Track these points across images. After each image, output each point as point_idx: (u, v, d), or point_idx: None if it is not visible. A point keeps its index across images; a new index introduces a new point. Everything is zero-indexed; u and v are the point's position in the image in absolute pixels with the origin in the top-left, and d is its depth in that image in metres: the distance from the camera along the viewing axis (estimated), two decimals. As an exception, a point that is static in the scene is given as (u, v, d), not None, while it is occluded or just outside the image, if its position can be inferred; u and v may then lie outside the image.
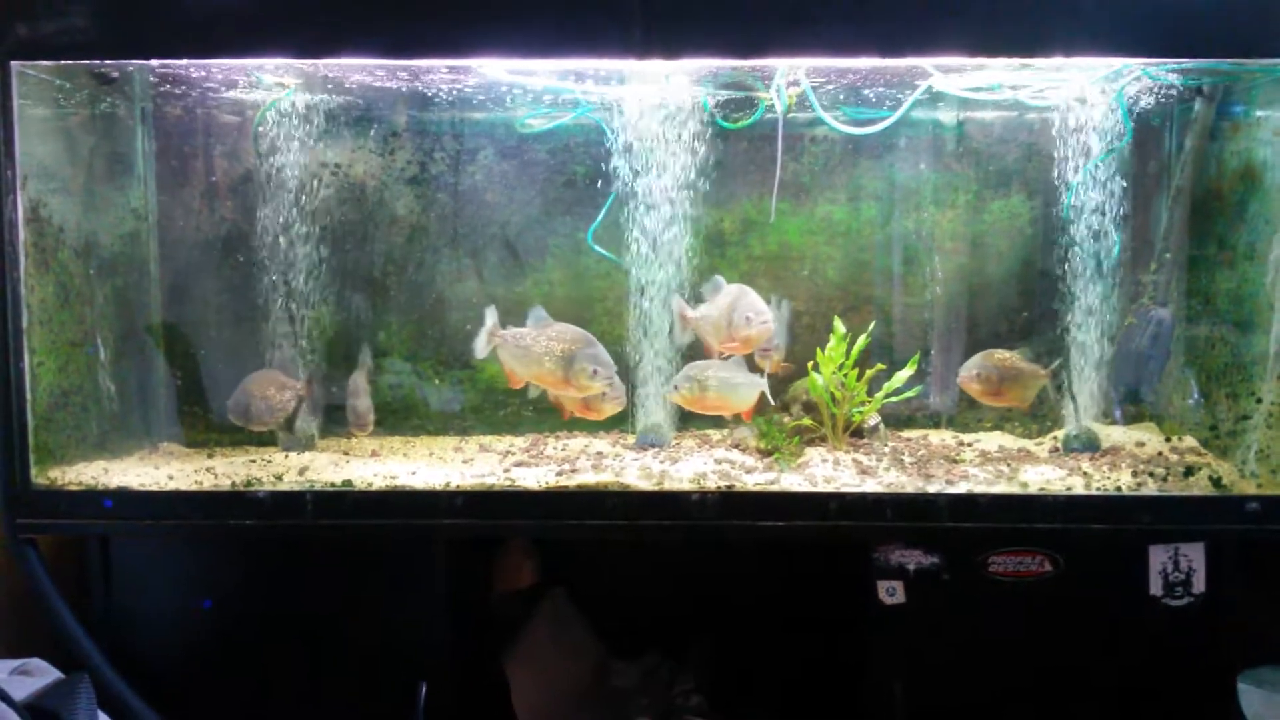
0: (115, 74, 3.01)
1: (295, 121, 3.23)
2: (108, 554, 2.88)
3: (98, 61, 2.83)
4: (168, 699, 2.80)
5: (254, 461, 3.12)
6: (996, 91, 3.17)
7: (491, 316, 3.00)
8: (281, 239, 3.28)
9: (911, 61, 2.77)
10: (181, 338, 3.45)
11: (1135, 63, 2.78)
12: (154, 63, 2.85)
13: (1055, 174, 3.20)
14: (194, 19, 2.63)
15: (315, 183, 3.33)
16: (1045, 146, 3.27)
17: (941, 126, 3.42)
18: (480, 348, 3.00)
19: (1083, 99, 3.09)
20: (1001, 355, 3.14)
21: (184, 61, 2.81)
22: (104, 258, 3.21)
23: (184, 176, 3.43)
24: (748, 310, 3.03)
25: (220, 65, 2.88)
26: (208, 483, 2.90)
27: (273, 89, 3.15)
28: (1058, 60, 2.72)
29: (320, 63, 2.86)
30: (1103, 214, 3.15)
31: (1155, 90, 3.05)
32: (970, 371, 3.14)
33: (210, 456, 3.24)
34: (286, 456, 3.18)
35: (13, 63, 2.69)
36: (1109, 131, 3.09)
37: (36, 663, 2.48)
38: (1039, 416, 3.38)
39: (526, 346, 2.94)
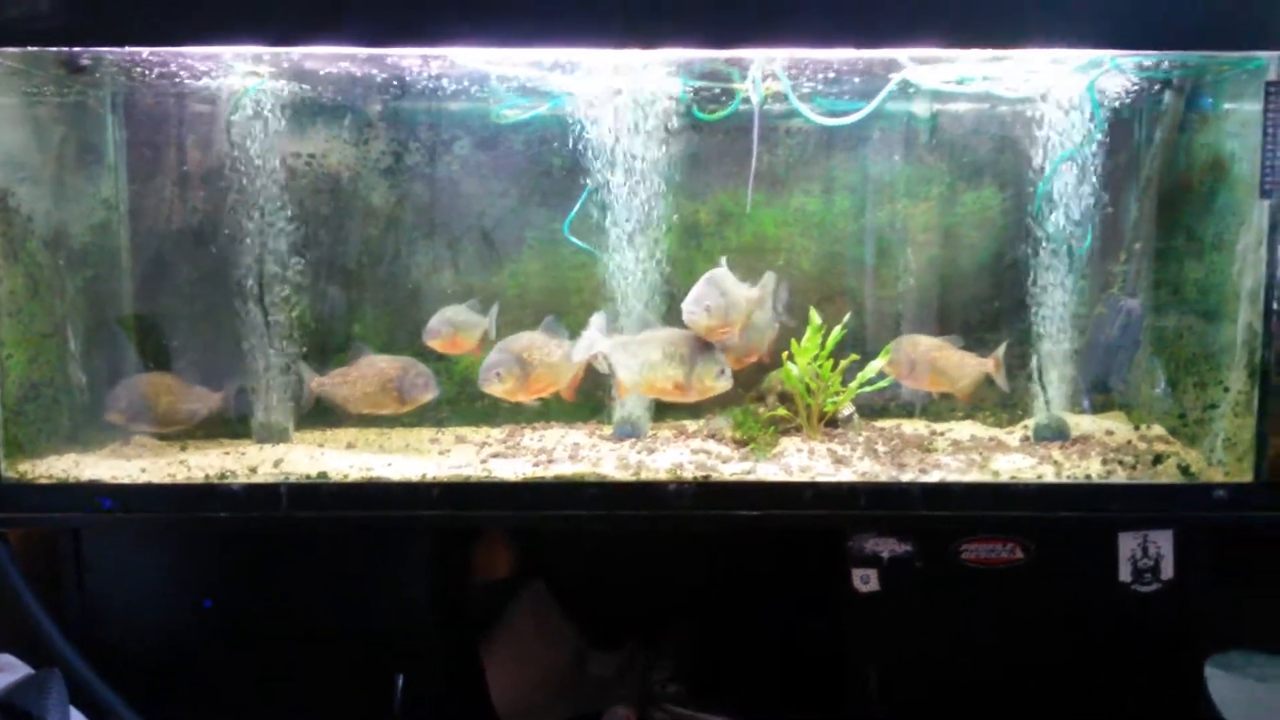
0: (86, 61, 2.97)
1: (268, 111, 3.20)
2: (80, 548, 2.85)
3: (66, 49, 2.80)
4: (142, 693, 2.77)
5: (228, 454, 3.10)
6: (969, 84, 3.19)
7: (598, 322, 2.95)
8: (254, 229, 3.25)
9: (888, 53, 2.78)
10: (153, 329, 3.41)
11: (1107, 54, 2.81)
12: (124, 51, 2.82)
13: (1026, 166, 3.23)
14: (164, 6, 2.60)
15: (287, 173, 3.30)
16: (1017, 139, 3.30)
17: (915, 119, 3.44)
18: (580, 351, 2.95)
19: (1053, 92, 3.12)
20: (911, 341, 3.14)
21: (154, 50, 2.78)
22: (74, 248, 3.17)
23: (155, 166, 3.39)
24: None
25: (192, 54, 2.85)
26: (181, 475, 2.88)
27: (246, 78, 3.12)
28: (1032, 52, 2.75)
29: (293, 51, 2.83)
30: (1072, 206, 3.18)
31: (1126, 83, 3.08)
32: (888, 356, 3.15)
33: (183, 449, 3.21)
34: (260, 449, 3.16)
35: (-21, 50, 2.66)
36: (1079, 124, 3.12)
37: (6, 659, 2.46)
38: (1009, 406, 3.41)
39: (638, 354, 2.89)
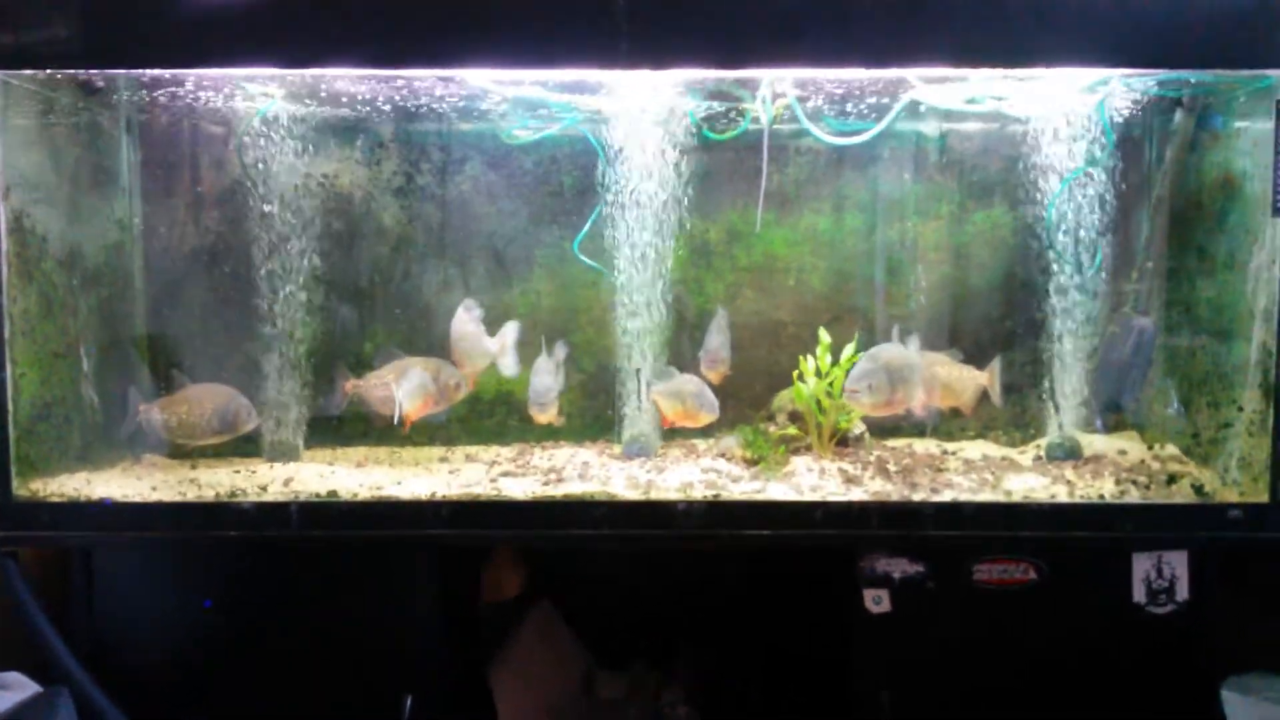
0: (100, 83, 3.01)
1: (281, 132, 3.23)
2: (90, 567, 2.86)
3: (82, 71, 2.83)
4: (150, 713, 2.77)
5: (238, 472, 3.10)
6: (979, 104, 3.20)
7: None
8: (266, 249, 3.27)
9: (895, 72, 2.78)
10: (165, 349, 3.43)
11: (1116, 73, 2.81)
12: (138, 73, 2.85)
13: (1036, 185, 3.23)
14: (179, 29, 2.63)
15: (299, 193, 3.33)
16: (1027, 158, 3.29)
17: (924, 138, 3.45)
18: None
19: (1063, 111, 3.12)
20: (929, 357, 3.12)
21: (169, 71, 2.81)
22: (88, 268, 3.20)
23: (169, 186, 3.43)
24: None
25: (205, 75, 2.87)
26: (191, 494, 2.88)
27: (258, 99, 3.14)
28: (1039, 71, 2.75)
29: (306, 73, 2.85)
30: (1083, 224, 3.17)
31: (1136, 102, 3.08)
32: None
33: (194, 467, 3.22)
34: (271, 467, 3.17)
35: (-4, 72, 2.69)
36: (1090, 143, 3.11)
37: (14, 676, 2.46)
38: (1022, 425, 3.40)
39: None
